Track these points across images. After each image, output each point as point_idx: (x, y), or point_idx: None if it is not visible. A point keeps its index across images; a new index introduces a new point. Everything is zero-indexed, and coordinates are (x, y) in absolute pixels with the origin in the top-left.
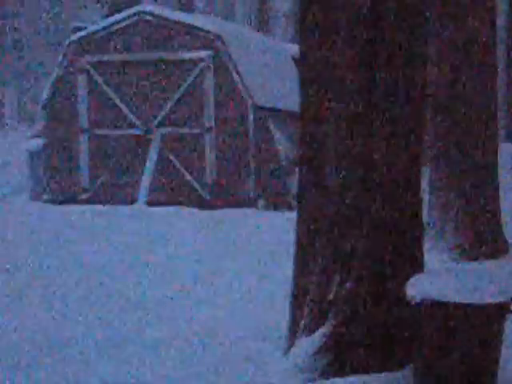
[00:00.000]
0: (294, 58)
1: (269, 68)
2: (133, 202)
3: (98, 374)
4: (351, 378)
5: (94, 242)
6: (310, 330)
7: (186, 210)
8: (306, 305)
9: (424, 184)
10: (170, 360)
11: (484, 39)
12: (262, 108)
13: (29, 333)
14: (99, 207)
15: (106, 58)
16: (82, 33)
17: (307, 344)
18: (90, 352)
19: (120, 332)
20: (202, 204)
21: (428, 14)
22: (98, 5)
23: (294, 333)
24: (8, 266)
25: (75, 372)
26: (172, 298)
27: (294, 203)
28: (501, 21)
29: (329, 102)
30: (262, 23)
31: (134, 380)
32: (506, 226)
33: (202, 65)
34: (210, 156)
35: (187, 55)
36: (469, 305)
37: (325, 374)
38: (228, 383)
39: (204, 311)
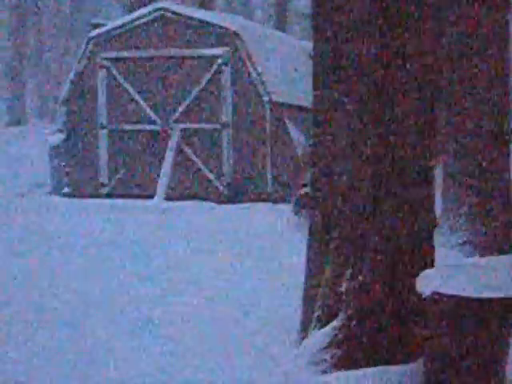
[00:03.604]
0: (311, 55)
1: (286, 65)
2: (151, 196)
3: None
4: (361, 372)
5: (111, 235)
6: (322, 323)
7: (203, 205)
8: (318, 298)
9: (436, 180)
10: (182, 351)
11: (496, 34)
12: (278, 104)
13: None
14: (118, 201)
15: (125, 54)
16: (102, 29)
17: (319, 337)
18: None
19: (132, 322)
20: (220, 199)
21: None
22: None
23: (306, 325)
24: (28, 260)
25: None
26: (182, 292)
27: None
28: None
29: (340, 97)
30: (281, 21)
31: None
32: None
33: (219, 61)
34: (227, 151)
35: (205, 52)
36: (479, 299)
37: (336, 367)
38: (241, 375)
39: (216, 304)
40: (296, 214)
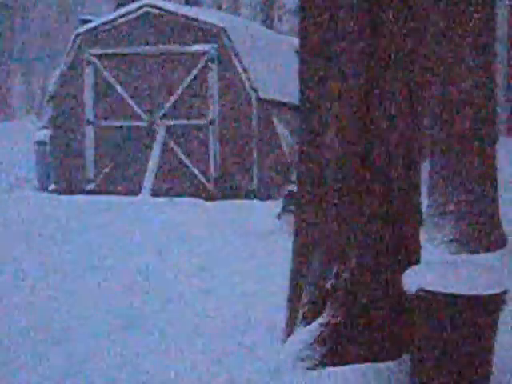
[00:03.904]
0: (297, 52)
1: (273, 61)
2: (137, 192)
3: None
4: (348, 368)
5: (97, 230)
6: (308, 320)
7: (190, 201)
8: (304, 295)
9: (423, 177)
10: (168, 350)
11: (482, 37)
12: (265, 101)
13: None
14: (104, 197)
15: (112, 50)
16: (89, 25)
17: (305, 334)
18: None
19: (126, 314)
20: (206, 195)
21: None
22: None
23: (291, 323)
24: (12, 256)
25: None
26: (173, 286)
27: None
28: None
29: (328, 94)
30: (267, 18)
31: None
32: (504, 219)
33: (206, 58)
34: (213, 148)
35: (192, 48)
36: (464, 296)
37: (322, 364)
38: (226, 372)
39: (204, 302)
40: (279, 217)
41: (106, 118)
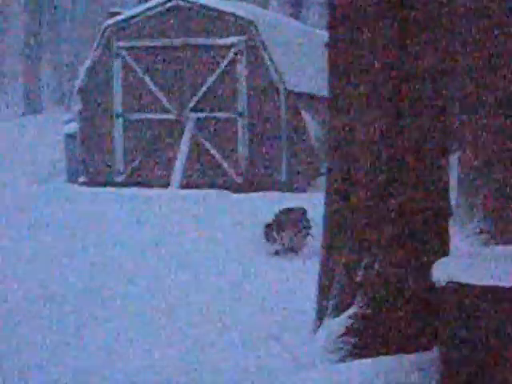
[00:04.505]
0: (326, 45)
1: (301, 53)
2: (167, 185)
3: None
4: (377, 359)
5: (125, 222)
6: (337, 312)
7: (218, 194)
8: (334, 287)
9: (453, 169)
10: (196, 340)
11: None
12: (294, 93)
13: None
14: (133, 190)
15: (140, 43)
16: (118, 18)
17: (334, 325)
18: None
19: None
20: (235, 187)
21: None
22: None
23: (321, 314)
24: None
25: None
26: (196, 280)
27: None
28: None
29: (357, 89)
30: (296, 10)
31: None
32: None
33: (234, 50)
34: (242, 140)
35: (221, 41)
36: (494, 288)
37: (351, 355)
38: (256, 364)
39: (229, 294)
40: (268, 239)
41: (134, 111)
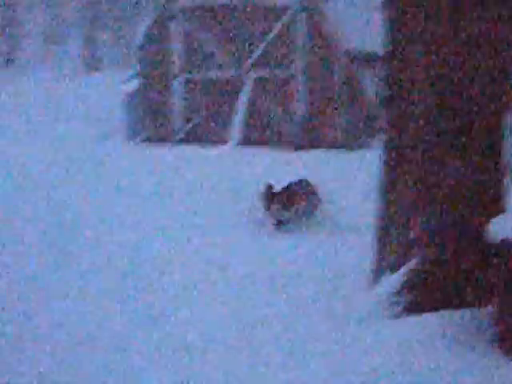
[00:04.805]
0: (383, 3)
1: (359, 12)
2: (224, 143)
3: None
4: (434, 314)
5: (182, 178)
6: (395, 268)
7: (274, 152)
8: (392, 243)
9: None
10: (250, 298)
11: None
12: (351, 51)
13: None
14: (190, 148)
15: (199, 3)
16: None
17: (391, 281)
18: None
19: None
20: (292, 145)
21: None
22: None
23: (378, 270)
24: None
25: None
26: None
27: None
28: None
29: (416, 46)
30: None
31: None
32: None
33: (292, 9)
34: (300, 99)
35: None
36: None
37: (409, 311)
38: (314, 319)
39: (290, 250)
40: (267, 208)
41: (193, 70)
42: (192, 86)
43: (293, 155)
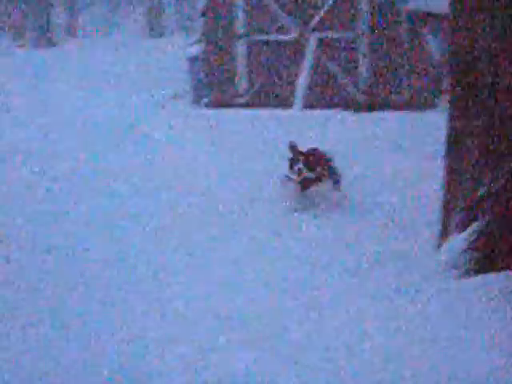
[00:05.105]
0: None
1: None
2: (289, 106)
3: None
4: (501, 274)
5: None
6: (461, 228)
7: (339, 114)
8: (458, 203)
9: None
10: (308, 262)
11: None
12: (414, 11)
13: None
14: (255, 111)
15: None
16: None
17: (458, 241)
18: None
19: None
20: (357, 107)
21: None
22: None
23: (445, 230)
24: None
25: None
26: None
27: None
28: None
29: (481, 4)
30: None
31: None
32: None
33: None
34: (363, 60)
35: None
36: None
37: (475, 271)
38: (380, 280)
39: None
40: (302, 190)
41: (256, 32)
42: (256, 48)
43: (356, 117)
